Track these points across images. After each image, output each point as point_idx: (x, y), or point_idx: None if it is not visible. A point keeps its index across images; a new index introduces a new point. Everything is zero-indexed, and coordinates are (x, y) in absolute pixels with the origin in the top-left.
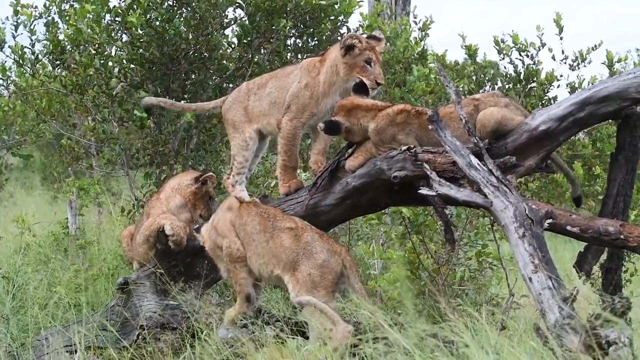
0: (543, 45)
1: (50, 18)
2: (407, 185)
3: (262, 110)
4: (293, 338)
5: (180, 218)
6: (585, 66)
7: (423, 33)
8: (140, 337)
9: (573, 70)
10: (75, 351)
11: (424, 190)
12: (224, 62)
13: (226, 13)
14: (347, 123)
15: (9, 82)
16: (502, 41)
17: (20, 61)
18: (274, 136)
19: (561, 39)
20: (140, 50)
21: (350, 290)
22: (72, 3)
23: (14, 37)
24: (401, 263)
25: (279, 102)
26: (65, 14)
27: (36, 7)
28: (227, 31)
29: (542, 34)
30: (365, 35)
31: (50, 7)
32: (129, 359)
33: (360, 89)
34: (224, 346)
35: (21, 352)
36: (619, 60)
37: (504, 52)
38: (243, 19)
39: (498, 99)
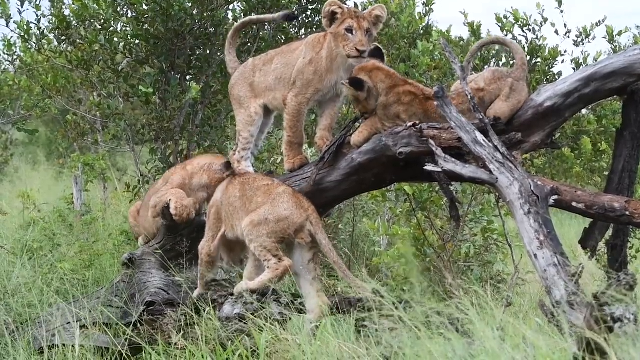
0: (545, 20)
1: None
2: (413, 161)
3: (267, 86)
4: (298, 315)
5: (197, 196)
6: (589, 42)
7: (427, 8)
8: (145, 313)
9: (577, 46)
10: (83, 326)
11: (429, 167)
12: None
13: None
14: (369, 82)
15: (14, 57)
16: (505, 17)
17: (26, 37)
18: (280, 112)
19: (562, 12)
20: (146, 25)
21: (320, 247)
22: None
23: (20, 13)
24: (406, 239)
25: (284, 78)
26: None
27: None
28: (232, 6)
29: (544, 10)
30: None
31: None
32: (134, 335)
33: (376, 53)
34: (228, 323)
35: (26, 328)
36: (620, 34)
37: (506, 28)
38: None
39: (502, 83)
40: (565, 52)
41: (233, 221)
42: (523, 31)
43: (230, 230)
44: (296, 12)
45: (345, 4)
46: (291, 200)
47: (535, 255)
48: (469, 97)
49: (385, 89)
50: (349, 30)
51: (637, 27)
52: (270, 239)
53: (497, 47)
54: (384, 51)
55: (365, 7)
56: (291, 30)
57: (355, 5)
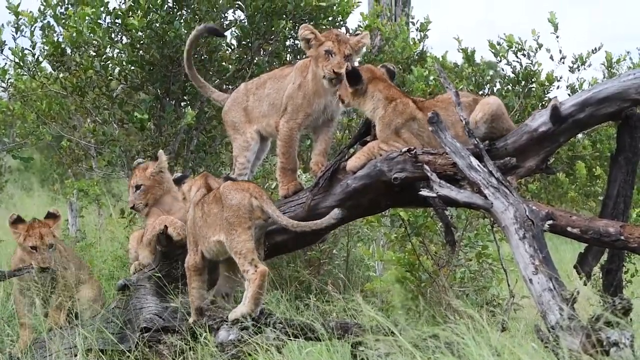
0: (540, 46)
1: (46, 22)
2: (408, 186)
3: (261, 112)
4: (294, 340)
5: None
6: (585, 69)
7: (422, 34)
8: (140, 339)
9: (573, 72)
10: (76, 355)
11: (424, 192)
12: (224, 63)
13: (226, 15)
14: (365, 84)
15: (8, 84)
16: (499, 43)
17: (21, 63)
18: (273, 138)
19: (557, 37)
20: (141, 52)
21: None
22: (67, 6)
23: (14, 39)
24: (399, 265)
25: (277, 104)
26: (63, 16)
27: (31, 12)
28: (227, 33)
29: (539, 36)
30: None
31: (46, 11)
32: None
33: (389, 73)
34: (224, 348)
35: (22, 355)
36: (618, 61)
37: (501, 54)
38: (243, 21)
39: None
40: (561, 78)
41: (200, 240)
42: (517, 57)
43: (207, 250)
44: (220, 28)
45: (341, 30)
46: (232, 190)
47: (531, 280)
48: (464, 122)
49: (382, 99)
50: (329, 52)
51: (628, 52)
52: (240, 237)
53: (491, 72)
54: (395, 71)
55: (355, 32)
56: (286, 56)
57: (347, 30)
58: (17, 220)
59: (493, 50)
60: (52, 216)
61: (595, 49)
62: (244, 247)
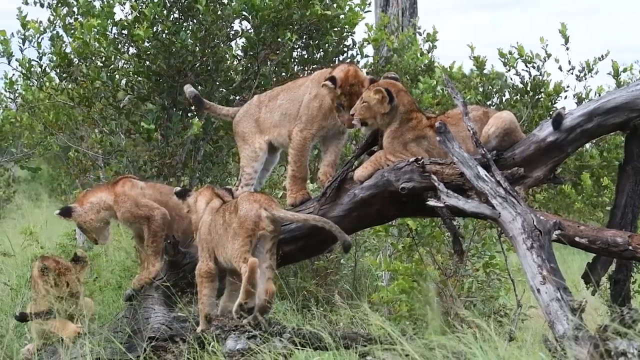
0: (549, 56)
1: (55, 32)
2: (415, 196)
3: (273, 122)
4: (302, 349)
5: None
6: (592, 77)
7: (430, 45)
8: (148, 349)
9: (580, 80)
10: None
11: (432, 202)
12: (231, 74)
13: (232, 25)
14: (395, 100)
15: (16, 95)
16: (510, 52)
17: (28, 74)
18: (285, 148)
19: (567, 49)
20: (147, 62)
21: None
22: (77, 17)
23: (22, 51)
24: (406, 275)
25: (289, 114)
26: (71, 27)
27: (41, 22)
28: (233, 43)
29: (547, 45)
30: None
31: (55, 21)
32: None
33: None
34: (232, 357)
35: None
36: (625, 70)
37: (510, 64)
38: (249, 31)
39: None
40: (568, 87)
41: (218, 248)
42: (527, 67)
43: (225, 261)
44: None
45: (358, 69)
46: (244, 200)
47: (538, 290)
48: (471, 132)
49: (401, 114)
50: (340, 105)
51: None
52: (237, 244)
53: (499, 82)
54: (398, 77)
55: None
56: (293, 66)
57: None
58: (44, 269)
59: (502, 59)
60: (79, 260)
61: (603, 56)
62: (238, 251)
